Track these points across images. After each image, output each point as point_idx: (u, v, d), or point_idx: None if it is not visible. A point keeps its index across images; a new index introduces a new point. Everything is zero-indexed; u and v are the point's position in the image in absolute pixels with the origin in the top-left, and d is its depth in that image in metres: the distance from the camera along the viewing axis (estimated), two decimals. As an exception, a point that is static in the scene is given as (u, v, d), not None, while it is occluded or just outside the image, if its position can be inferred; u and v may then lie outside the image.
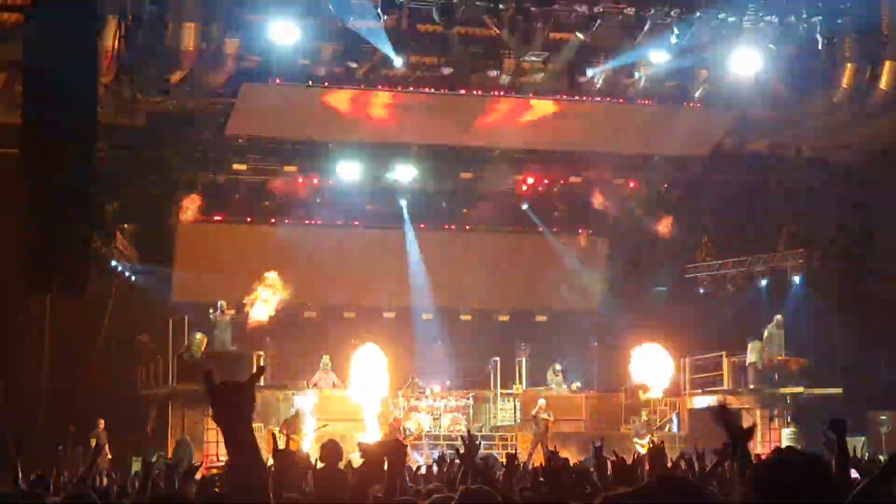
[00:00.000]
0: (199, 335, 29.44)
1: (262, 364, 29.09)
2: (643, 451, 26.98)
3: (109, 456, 26.32)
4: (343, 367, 30.80)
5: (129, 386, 30.04)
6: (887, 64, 28.06)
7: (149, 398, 30.00)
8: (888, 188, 31.91)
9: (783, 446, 14.44)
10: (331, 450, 12.17)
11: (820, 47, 27.15)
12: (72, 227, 16.09)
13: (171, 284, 31.67)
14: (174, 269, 31.73)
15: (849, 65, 28.05)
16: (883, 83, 28.37)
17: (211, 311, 30.40)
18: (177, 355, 28.80)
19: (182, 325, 29.55)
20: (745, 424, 7.22)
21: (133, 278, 30.86)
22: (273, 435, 14.96)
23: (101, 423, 27.67)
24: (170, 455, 26.65)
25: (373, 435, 28.43)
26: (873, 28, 27.68)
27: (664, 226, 33.73)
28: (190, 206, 31.16)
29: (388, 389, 30.62)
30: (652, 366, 32.29)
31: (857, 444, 24.41)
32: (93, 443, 25.60)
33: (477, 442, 10.31)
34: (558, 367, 33.30)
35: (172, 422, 28.66)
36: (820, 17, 26.74)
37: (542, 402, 30.73)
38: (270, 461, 8.44)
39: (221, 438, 5.18)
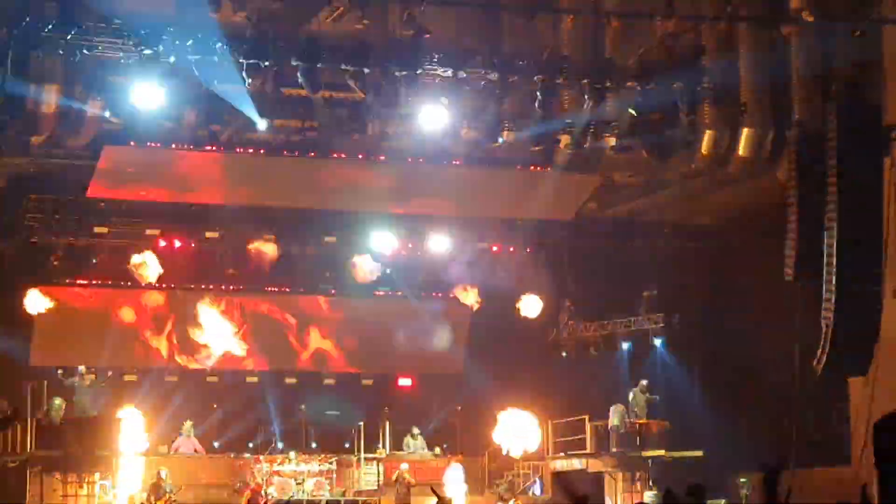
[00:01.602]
0: (58, 400, 28.96)
1: (121, 429, 28.80)
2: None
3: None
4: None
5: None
6: (745, 131, 28.59)
7: (6, 464, 29.36)
8: (745, 252, 32.45)
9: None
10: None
11: (680, 114, 27.56)
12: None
13: (30, 349, 31.12)
14: (33, 334, 31.17)
15: (708, 132, 28.53)
16: (741, 150, 28.91)
17: (69, 375, 29.98)
18: (35, 420, 28.27)
19: (41, 390, 29.05)
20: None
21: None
22: None
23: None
24: None
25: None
26: (732, 96, 28.20)
27: (528, 289, 33.85)
28: (50, 269, 30.73)
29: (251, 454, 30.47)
30: (517, 429, 32.32)
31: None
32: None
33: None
34: (416, 431, 33.24)
35: (30, 489, 28.08)
36: (681, 85, 27.13)
37: (404, 466, 30.67)
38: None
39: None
